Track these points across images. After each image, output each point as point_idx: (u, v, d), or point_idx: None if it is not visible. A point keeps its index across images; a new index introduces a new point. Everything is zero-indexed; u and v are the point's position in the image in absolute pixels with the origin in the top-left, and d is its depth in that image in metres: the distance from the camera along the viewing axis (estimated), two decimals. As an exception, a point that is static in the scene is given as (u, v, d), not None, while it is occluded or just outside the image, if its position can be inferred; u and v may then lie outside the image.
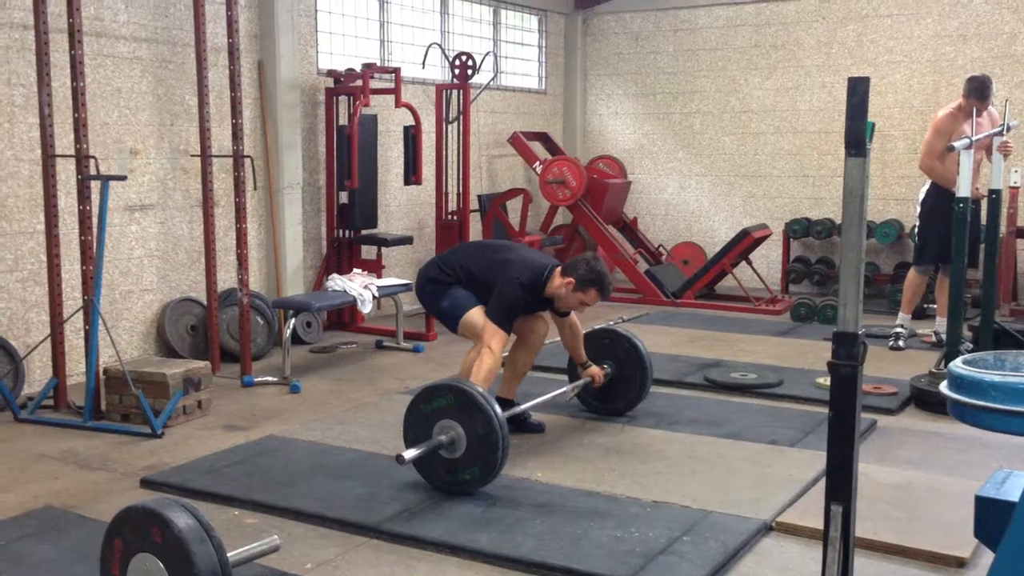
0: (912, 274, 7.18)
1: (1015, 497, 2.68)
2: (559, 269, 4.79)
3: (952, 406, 2.55)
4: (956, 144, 5.40)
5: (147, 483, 4.34)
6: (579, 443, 4.94)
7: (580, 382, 5.28)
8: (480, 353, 4.64)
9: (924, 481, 4.34)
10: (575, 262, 4.75)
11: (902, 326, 7.14)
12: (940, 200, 6.70)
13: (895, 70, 9.53)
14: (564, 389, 5.22)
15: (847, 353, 2.57)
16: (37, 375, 5.89)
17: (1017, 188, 8.43)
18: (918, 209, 7.06)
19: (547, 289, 4.79)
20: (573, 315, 5.13)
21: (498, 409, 4.15)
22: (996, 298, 6.68)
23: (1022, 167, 8.72)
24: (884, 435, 5.08)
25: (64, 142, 5.59)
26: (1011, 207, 8.33)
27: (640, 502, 4.08)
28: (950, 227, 5.80)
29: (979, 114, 6.52)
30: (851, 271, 2.59)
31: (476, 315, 4.78)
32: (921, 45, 9.43)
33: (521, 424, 5.12)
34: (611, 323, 8.18)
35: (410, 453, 4.10)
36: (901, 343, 7.04)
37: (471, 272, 4.88)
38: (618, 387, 5.41)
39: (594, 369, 5.23)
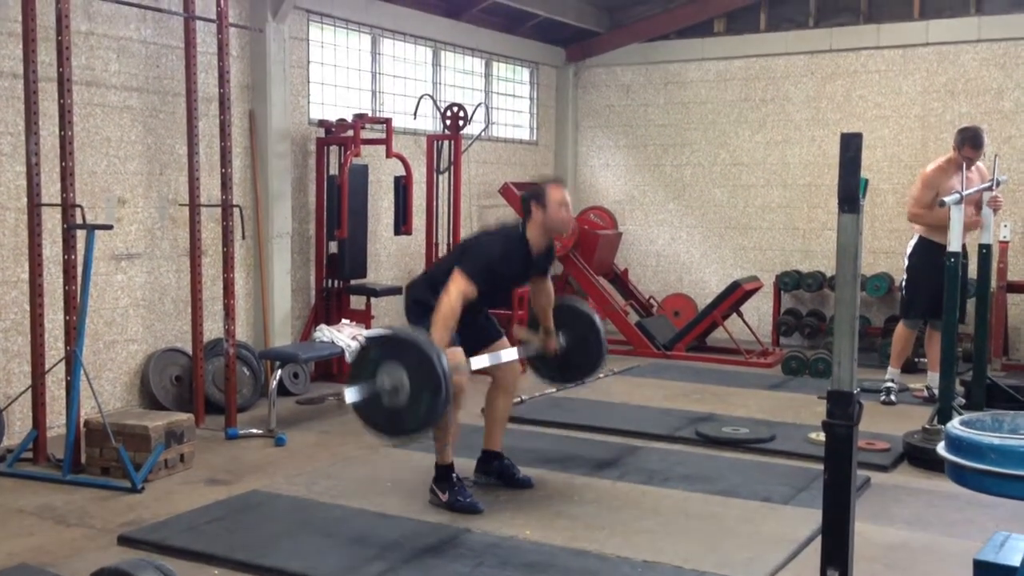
0: (901, 328, 7.14)
1: (1015, 562, 2.62)
2: (525, 220, 4.75)
3: (950, 468, 2.50)
4: (947, 199, 5.40)
5: (125, 540, 4.22)
6: (568, 499, 4.85)
7: (532, 348, 5.16)
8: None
9: (920, 541, 4.26)
10: (525, 203, 4.75)
11: (892, 380, 7.09)
12: (927, 253, 6.70)
13: (884, 125, 9.60)
14: (513, 355, 5.04)
15: (843, 413, 2.52)
16: (17, 427, 5.78)
17: (1007, 242, 8.44)
18: (905, 263, 7.04)
19: (530, 231, 4.70)
20: (549, 282, 5.06)
21: (442, 355, 4.08)
22: (988, 353, 6.65)
23: (1012, 222, 8.75)
24: (878, 493, 5.00)
25: (51, 191, 5.55)
26: (1001, 261, 8.33)
27: (631, 561, 3.99)
28: (937, 280, 5.77)
29: (971, 165, 6.55)
30: (845, 328, 2.55)
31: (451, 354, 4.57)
32: (909, 100, 9.51)
33: (509, 479, 5.03)
34: (602, 375, 8.13)
35: (351, 395, 4.08)
36: (893, 398, 6.99)
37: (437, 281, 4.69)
38: (573, 358, 5.28)
39: (552, 343, 5.13)
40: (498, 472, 5.05)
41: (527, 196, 4.78)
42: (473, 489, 4.84)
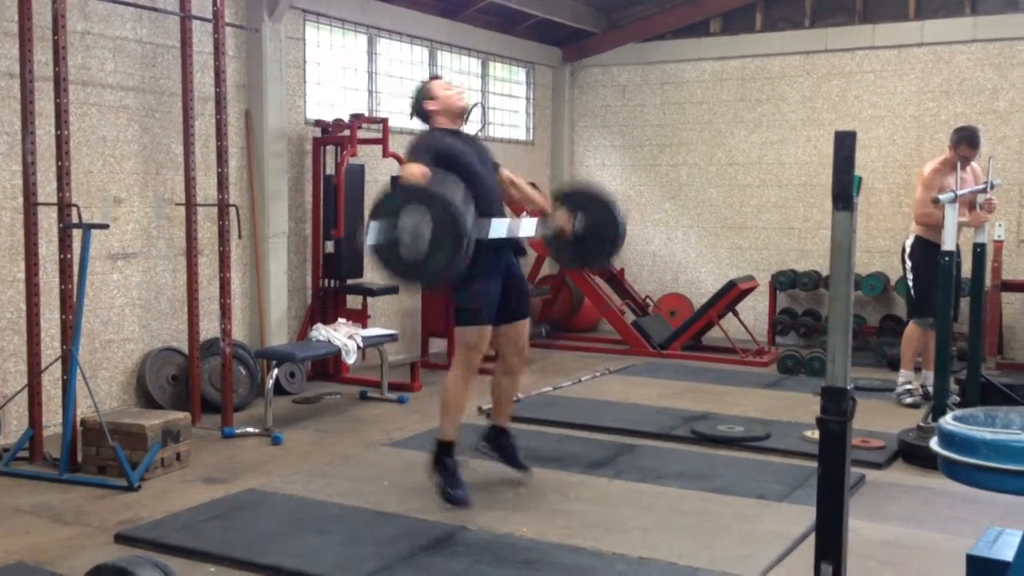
0: (912, 328, 6.96)
1: (1008, 556, 2.64)
2: (431, 124, 4.89)
3: (943, 464, 2.52)
4: (941, 197, 5.42)
5: (122, 538, 4.23)
6: (564, 497, 4.86)
7: (549, 228, 5.07)
8: None
9: (913, 538, 4.28)
10: (419, 111, 4.93)
11: (910, 382, 6.99)
12: (928, 253, 6.68)
13: (879, 125, 9.62)
14: (531, 228, 4.98)
15: (836, 408, 2.53)
16: (13, 426, 5.78)
17: (1001, 242, 8.47)
18: (908, 263, 6.95)
19: (434, 118, 4.86)
20: (505, 171, 5.12)
21: (468, 210, 4.11)
22: (982, 351, 6.66)
23: (1006, 221, 8.77)
24: (872, 490, 5.02)
25: (47, 190, 5.55)
26: (995, 261, 8.35)
27: (626, 558, 4.00)
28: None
29: (966, 165, 6.56)
30: (840, 325, 2.56)
31: (474, 334, 4.68)
32: (904, 100, 9.53)
33: (511, 458, 5.05)
34: (598, 373, 8.15)
35: (371, 237, 4.13)
36: (918, 398, 6.91)
37: None
38: (590, 241, 5.21)
39: (567, 225, 5.06)
40: (502, 448, 5.07)
41: (416, 102, 4.91)
42: (470, 470, 4.84)
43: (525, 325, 4.98)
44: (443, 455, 4.76)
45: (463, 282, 4.50)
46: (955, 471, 2.47)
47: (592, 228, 5.15)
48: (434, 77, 4.99)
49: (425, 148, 4.63)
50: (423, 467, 4.85)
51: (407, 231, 4.09)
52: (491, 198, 4.80)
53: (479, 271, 4.52)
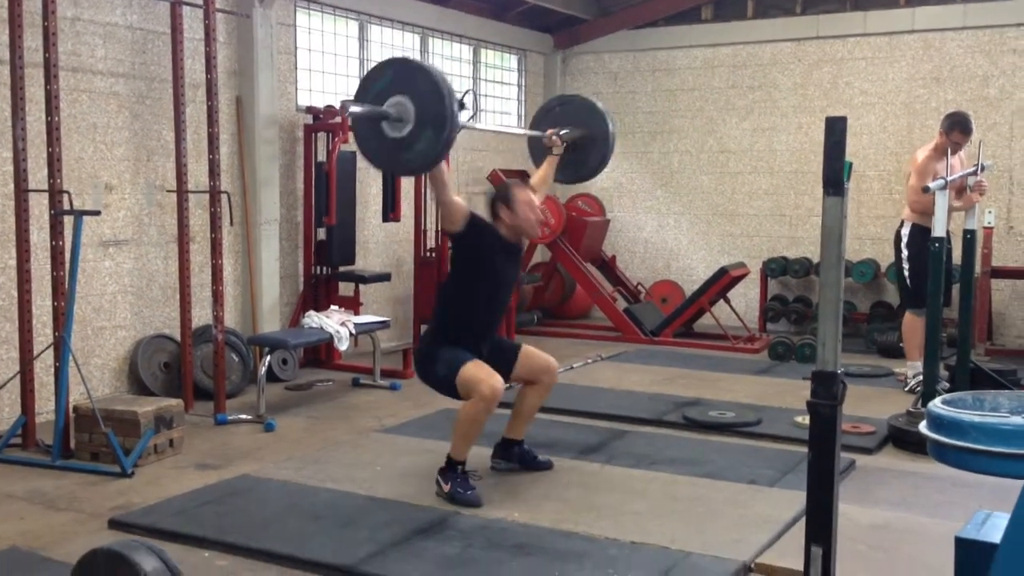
0: (912, 319, 6.89)
1: (996, 539, 2.66)
2: (496, 217, 4.76)
3: (932, 446, 2.54)
4: (931, 185, 5.44)
5: (115, 524, 4.24)
6: (556, 482, 4.88)
7: (542, 138, 5.27)
8: None
9: (903, 522, 4.31)
10: (492, 204, 4.77)
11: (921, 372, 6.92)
12: (927, 240, 6.66)
13: (870, 112, 9.64)
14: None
15: (827, 392, 2.56)
16: (5, 413, 5.78)
17: (991, 228, 8.50)
18: (905, 252, 6.90)
19: (501, 230, 4.72)
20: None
21: (443, 75, 4.17)
22: (972, 338, 6.69)
23: (996, 208, 8.81)
24: (862, 475, 5.06)
25: (38, 177, 5.53)
26: (985, 247, 8.39)
27: (619, 543, 4.03)
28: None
29: (957, 151, 6.56)
30: (830, 310, 2.58)
31: (471, 369, 4.51)
32: (895, 87, 9.55)
33: (531, 463, 5.02)
34: (590, 360, 8.18)
35: (355, 105, 4.09)
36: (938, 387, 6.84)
37: (443, 295, 4.90)
38: (583, 144, 5.32)
39: (552, 136, 5.23)
40: (519, 457, 5.03)
41: (494, 198, 4.79)
42: (482, 481, 4.74)
43: (527, 350, 4.94)
44: (453, 466, 4.61)
45: (431, 362, 4.66)
46: (944, 454, 2.49)
47: (581, 133, 5.27)
48: (522, 183, 4.85)
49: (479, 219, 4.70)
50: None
51: (392, 113, 4.05)
52: (505, 300, 4.90)
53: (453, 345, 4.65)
